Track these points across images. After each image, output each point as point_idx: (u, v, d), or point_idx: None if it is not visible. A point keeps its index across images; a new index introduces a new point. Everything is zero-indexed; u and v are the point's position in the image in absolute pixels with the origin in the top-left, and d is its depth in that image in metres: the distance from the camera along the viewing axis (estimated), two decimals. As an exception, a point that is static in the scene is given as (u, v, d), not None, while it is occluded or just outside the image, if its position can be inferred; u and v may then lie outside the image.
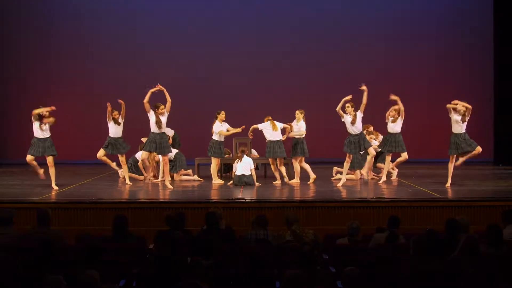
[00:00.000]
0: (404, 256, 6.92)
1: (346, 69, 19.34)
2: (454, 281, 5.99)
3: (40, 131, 12.79)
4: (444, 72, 19.35)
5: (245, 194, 12.20)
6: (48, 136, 12.88)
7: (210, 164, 14.37)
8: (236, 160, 13.77)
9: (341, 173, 14.64)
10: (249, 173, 13.60)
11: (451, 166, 12.81)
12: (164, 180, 13.65)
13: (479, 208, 10.94)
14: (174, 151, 14.50)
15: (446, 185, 12.84)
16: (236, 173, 13.60)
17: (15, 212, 8.58)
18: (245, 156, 13.66)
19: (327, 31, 19.35)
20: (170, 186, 13.09)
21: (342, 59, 19.37)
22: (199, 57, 19.16)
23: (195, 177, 14.69)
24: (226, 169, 15.00)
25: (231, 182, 13.69)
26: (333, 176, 14.85)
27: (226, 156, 14.79)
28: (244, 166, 13.59)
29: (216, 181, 14.02)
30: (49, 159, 12.89)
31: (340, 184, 13.23)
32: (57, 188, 12.85)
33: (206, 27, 19.30)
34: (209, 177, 14.40)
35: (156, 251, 7.71)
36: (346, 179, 13.71)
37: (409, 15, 19.44)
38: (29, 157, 12.89)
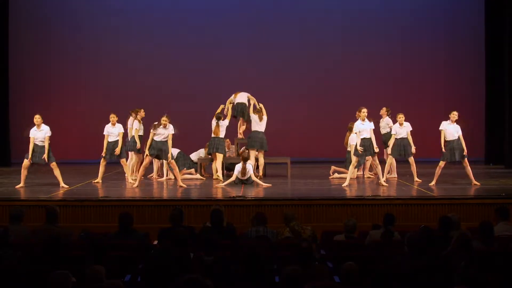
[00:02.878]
0: (399, 252, 7.03)
1: (345, 70, 19.50)
2: (447, 276, 6.09)
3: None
4: (438, 73, 19.50)
5: (245, 193, 12.38)
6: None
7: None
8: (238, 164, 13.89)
9: (339, 172, 14.94)
10: (249, 177, 13.72)
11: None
12: (169, 179, 14.10)
13: (471, 206, 11.13)
14: (176, 150, 14.73)
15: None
16: (237, 176, 13.73)
17: (24, 210, 8.82)
18: (247, 163, 13.75)
19: (326, 33, 19.45)
20: (184, 185, 13.33)
21: (341, 60, 19.48)
22: (201, 57, 19.32)
23: (197, 175, 14.90)
24: (229, 168, 15.18)
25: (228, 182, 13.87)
26: (331, 175, 15.08)
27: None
28: (244, 172, 13.74)
29: (219, 176, 14.25)
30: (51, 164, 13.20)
31: (345, 184, 13.34)
32: (67, 186, 13.12)
33: (208, 29, 19.45)
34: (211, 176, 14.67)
35: (160, 247, 7.85)
36: (342, 177, 13.99)
37: (408, 18, 19.57)
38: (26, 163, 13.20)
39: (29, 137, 13.18)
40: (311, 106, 19.32)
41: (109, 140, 13.98)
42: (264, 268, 6.33)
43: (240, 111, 15.14)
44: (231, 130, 15.35)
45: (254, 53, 19.35)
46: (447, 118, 13.29)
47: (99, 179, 13.96)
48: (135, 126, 14.62)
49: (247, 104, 15.12)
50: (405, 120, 14.18)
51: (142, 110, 14.83)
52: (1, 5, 18.46)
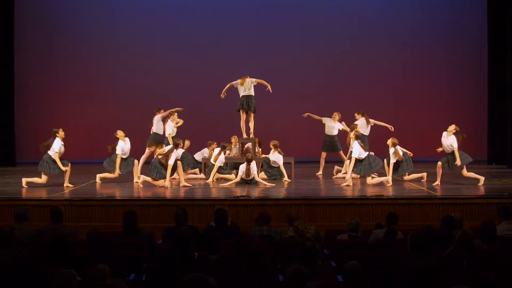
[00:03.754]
0: (402, 251, 7.08)
1: (349, 71, 19.51)
2: (449, 275, 6.13)
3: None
4: (439, 73, 19.48)
5: (249, 192, 12.43)
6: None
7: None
8: (242, 165, 13.88)
9: (342, 172, 14.99)
10: (253, 178, 13.77)
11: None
12: (173, 179, 14.03)
13: (474, 206, 11.18)
14: (180, 150, 14.76)
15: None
16: (242, 177, 13.77)
17: (29, 209, 8.88)
18: (251, 164, 13.76)
19: (329, 34, 19.43)
20: (188, 184, 13.41)
21: (342, 60, 19.47)
22: (205, 58, 19.35)
23: (202, 175, 14.93)
24: (233, 167, 15.19)
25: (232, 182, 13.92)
26: (334, 175, 15.14)
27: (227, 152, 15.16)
28: (248, 173, 13.76)
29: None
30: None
31: (345, 184, 13.39)
32: (72, 186, 13.16)
33: (211, 30, 19.49)
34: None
35: (164, 247, 7.90)
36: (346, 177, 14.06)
37: (409, 18, 19.56)
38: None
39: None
40: (313, 106, 19.29)
41: (123, 157, 13.94)
42: (268, 267, 6.38)
43: (246, 105, 14.86)
44: (237, 127, 15.39)
45: (257, 53, 19.36)
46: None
47: (98, 180, 14.05)
48: (169, 131, 14.76)
49: (253, 95, 14.87)
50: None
51: (176, 114, 14.93)
52: (6, 5, 18.52)
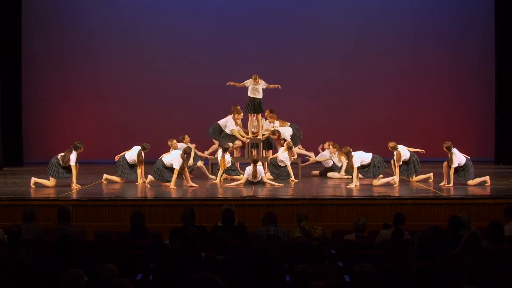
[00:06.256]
0: (409, 251, 7.09)
1: (353, 70, 19.49)
2: (456, 276, 6.09)
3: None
4: (446, 72, 19.43)
5: (256, 192, 12.43)
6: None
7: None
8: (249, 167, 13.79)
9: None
10: (260, 180, 13.70)
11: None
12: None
13: (481, 206, 11.18)
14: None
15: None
16: (248, 179, 13.67)
17: (36, 209, 8.91)
18: (257, 165, 13.67)
19: (335, 34, 19.41)
20: (195, 185, 13.39)
21: (345, 60, 19.43)
22: (212, 58, 19.36)
23: (212, 176, 14.86)
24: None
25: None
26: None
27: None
28: (255, 175, 13.66)
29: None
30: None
31: (351, 185, 13.28)
32: (80, 186, 13.14)
33: (216, 30, 19.50)
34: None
35: (171, 247, 7.92)
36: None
37: (412, 17, 19.53)
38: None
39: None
40: (320, 106, 19.34)
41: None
42: (275, 267, 6.39)
43: (252, 107, 14.86)
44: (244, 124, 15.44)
45: (262, 53, 19.34)
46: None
47: (103, 180, 14.08)
48: (233, 126, 14.80)
49: (261, 96, 14.79)
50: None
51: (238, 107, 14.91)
52: (13, 8, 18.57)
